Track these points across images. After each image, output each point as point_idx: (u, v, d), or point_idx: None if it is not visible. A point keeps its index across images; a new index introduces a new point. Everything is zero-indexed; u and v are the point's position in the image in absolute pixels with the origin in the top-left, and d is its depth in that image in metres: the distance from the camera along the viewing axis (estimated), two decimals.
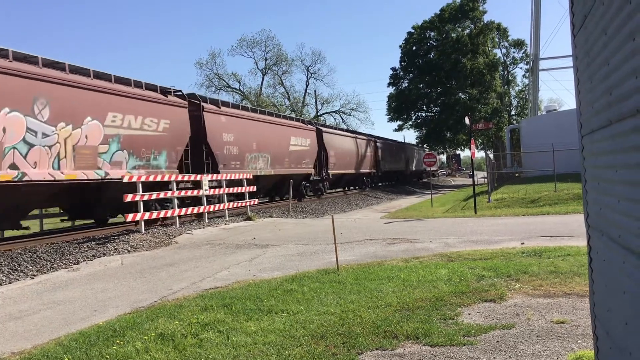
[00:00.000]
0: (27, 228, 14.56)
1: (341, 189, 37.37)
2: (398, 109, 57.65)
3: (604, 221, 2.72)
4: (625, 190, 2.18)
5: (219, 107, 20.78)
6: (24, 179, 11.97)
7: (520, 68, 65.67)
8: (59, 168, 12.95)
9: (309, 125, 30.50)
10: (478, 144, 56.89)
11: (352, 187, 39.66)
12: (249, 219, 18.61)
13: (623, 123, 2.17)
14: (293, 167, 26.63)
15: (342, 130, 39.85)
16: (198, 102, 19.31)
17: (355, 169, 36.86)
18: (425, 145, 62.35)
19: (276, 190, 27.23)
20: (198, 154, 19.03)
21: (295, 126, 27.78)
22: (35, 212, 16.82)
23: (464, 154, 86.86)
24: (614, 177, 2.37)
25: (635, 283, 2.10)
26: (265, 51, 61.34)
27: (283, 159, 25.61)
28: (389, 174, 47.57)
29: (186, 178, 17.16)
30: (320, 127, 32.54)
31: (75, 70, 14.05)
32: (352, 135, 38.34)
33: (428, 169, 40.14)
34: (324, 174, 30.99)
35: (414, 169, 57.08)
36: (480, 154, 66.46)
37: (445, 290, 6.45)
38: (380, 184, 45.25)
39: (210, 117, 19.65)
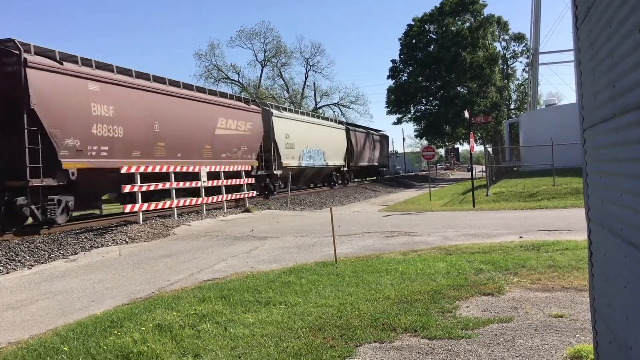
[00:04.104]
0: None
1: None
2: (397, 102, 57.43)
3: (605, 215, 2.70)
4: (628, 183, 2.16)
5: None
6: None
7: (520, 62, 65.45)
8: None
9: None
10: (477, 138, 56.83)
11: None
12: (247, 211, 18.60)
13: (627, 116, 2.15)
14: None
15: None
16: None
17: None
18: (424, 139, 62.42)
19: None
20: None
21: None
22: None
23: (463, 147, 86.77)
24: (617, 170, 2.35)
25: (637, 277, 2.08)
26: (265, 43, 61.11)
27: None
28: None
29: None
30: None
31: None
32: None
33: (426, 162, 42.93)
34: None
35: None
36: (479, 148, 66.34)
37: (443, 283, 6.44)
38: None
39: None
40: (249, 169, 21.09)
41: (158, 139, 16.17)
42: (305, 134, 28.13)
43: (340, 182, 35.15)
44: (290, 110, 29.14)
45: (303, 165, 27.68)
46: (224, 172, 18.87)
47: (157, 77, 16.93)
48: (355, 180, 39.95)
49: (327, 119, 35.91)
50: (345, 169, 35.43)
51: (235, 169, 19.72)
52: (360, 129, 41.04)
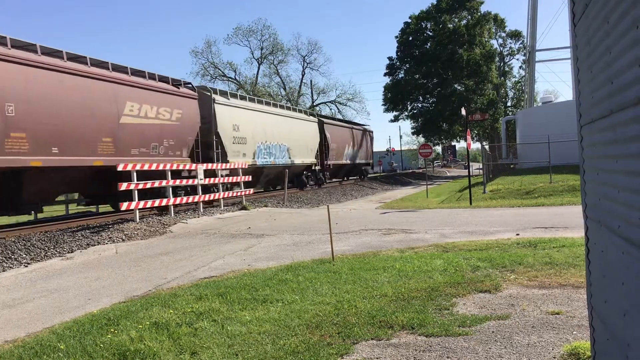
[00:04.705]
0: None
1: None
2: (394, 99, 57.42)
3: (603, 212, 2.70)
4: (626, 180, 2.16)
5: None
6: None
7: (517, 59, 65.54)
8: None
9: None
10: (474, 135, 56.86)
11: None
12: (244, 208, 18.59)
13: (624, 112, 2.14)
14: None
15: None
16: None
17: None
18: (420, 136, 62.47)
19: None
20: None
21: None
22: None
23: (460, 145, 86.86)
24: (614, 167, 2.35)
25: (634, 274, 2.08)
26: (261, 40, 61.02)
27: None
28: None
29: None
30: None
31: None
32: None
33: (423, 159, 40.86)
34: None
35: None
36: (475, 146, 66.40)
37: (440, 280, 6.44)
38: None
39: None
40: (180, 169, 16.77)
41: (13, 127, 11.94)
42: (262, 126, 23.82)
43: (312, 183, 30.75)
44: (243, 98, 24.26)
45: (259, 164, 23.11)
46: (138, 171, 14.52)
47: (23, 43, 12.83)
48: (333, 180, 36.15)
49: (294, 109, 30.84)
50: (317, 167, 31.14)
51: (155, 169, 15.37)
52: (338, 123, 37.34)
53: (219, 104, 20.39)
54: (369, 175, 45.15)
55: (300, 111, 30.96)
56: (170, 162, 16.31)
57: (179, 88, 17.99)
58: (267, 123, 24.45)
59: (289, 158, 26.67)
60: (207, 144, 19.55)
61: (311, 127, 30.31)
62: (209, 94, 20.10)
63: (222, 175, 18.84)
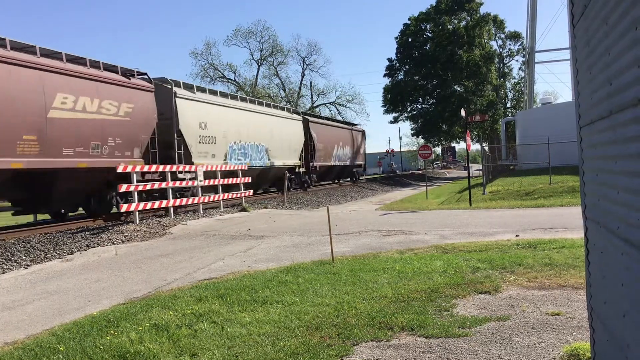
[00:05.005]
0: None
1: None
2: (394, 100, 57.50)
3: (602, 213, 2.70)
4: (625, 180, 2.16)
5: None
6: None
7: (517, 60, 65.82)
8: None
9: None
10: (473, 137, 56.83)
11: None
12: (243, 210, 18.58)
13: (623, 113, 2.15)
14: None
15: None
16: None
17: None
18: (420, 137, 62.54)
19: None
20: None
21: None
22: None
23: (460, 146, 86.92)
24: (614, 168, 2.35)
25: (634, 275, 2.08)
26: (261, 42, 61.08)
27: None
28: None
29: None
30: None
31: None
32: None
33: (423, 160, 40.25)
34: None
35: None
36: (475, 147, 66.35)
37: (440, 281, 6.44)
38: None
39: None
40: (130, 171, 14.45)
41: None
42: (235, 124, 21.44)
43: (297, 186, 28.47)
44: (213, 92, 21.37)
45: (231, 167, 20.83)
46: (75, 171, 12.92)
47: None
48: (321, 183, 33.81)
49: (275, 106, 28.28)
50: (302, 170, 28.78)
51: (89, 167, 13.77)
52: (326, 121, 35.05)
53: (182, 98, 18.05)
54: (366, 177, 44.63)
55: (282, 108, 28.90)
56: (118, 163, 14.26)
57: (130, 79, 15.76)
58: (241, 121, 22.13)
59: (268, 159, 24.50)
60: (167, 144, 17.35)
61: (295, 125, 28.19)
62: (169, 86, 17.70)
63: (187, 179, 17.16)
